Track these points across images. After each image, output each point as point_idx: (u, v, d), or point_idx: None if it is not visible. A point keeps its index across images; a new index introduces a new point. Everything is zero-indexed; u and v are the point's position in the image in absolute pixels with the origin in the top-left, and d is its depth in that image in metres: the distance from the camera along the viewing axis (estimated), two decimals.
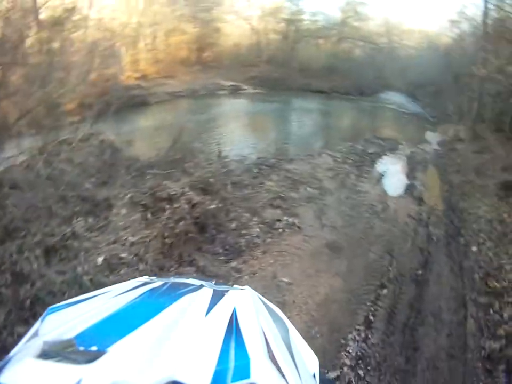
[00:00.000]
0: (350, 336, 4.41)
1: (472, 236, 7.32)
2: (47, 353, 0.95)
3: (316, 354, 3.90)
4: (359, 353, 4.20)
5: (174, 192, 6.05)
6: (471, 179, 10.73)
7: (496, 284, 5.65)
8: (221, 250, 5.74)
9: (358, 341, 4.36)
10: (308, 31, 33.23)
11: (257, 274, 5.32)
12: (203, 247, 5.69)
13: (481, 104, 17.42)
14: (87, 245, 5.03)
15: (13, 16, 11.36)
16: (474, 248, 6.83)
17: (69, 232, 5.06)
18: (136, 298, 1.38)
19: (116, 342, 0.99)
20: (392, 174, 10.91)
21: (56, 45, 16.72)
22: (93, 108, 8.88)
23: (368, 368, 4.03)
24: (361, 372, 3.97)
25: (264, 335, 1.23)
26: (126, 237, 5.43)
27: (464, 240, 7.17)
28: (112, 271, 4.73)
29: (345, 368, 3.98)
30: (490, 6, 16.75)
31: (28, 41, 15.78)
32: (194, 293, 1.48)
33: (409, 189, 9.62)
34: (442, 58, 27.71)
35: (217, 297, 1.46)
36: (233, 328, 1.20)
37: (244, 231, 6.26)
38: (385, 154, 12.93)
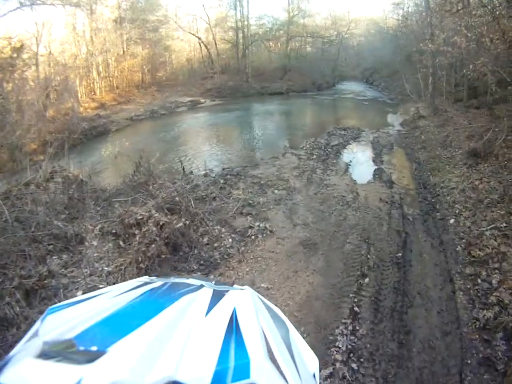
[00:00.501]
0: (337, 331, 4.36)
1: (447, 208, 7.45)
2: (47, 353, 0.96)
3: None
4: (349, 346, 4.14)
5: (141, 217, 6.05)
6: (438, 153, 11.04)
7: (479, 252, 5.68)
8: (196, 267, 5.72)
9: (346, 335, 4.30)
10: (256, 35, 33.55)
11: (235, 285, 5.33)
12: (178, 266, 5.67)
13: (436, 79, 17.88)
14: (64, 281, 4.97)
15: None
16: (452, 221, 6.93)
17: (45, 271, 4.98)
18: (136, 298, 1.39)
19: (116, 342, 1.00)
20: (359, 162, 11.09)
21: (8, 86, 16.50)
22: (54, 144, 8.85)
23: (361, 360, 3.98)
24: (354, 365, 3.91)
25: (264, 335, 1.24)
26: (101, 268, 5.39)
27: (440, 214, 7.28)
28: None
29: (337, 364, 3.92)
30: None
31: None
32: (194, 293, 1.49)
33: (378, 174, 9.76)
34: (391, 41, 28.40)
35: (217, 297, 1.47)
36: (233, 328, 1.21)
37: (216, 244, 6.24)
38: (349, 144, 13.14)
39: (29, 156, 9.55)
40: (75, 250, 5.83)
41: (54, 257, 5.57)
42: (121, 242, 5.98)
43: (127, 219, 6.10)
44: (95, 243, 5.97)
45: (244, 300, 1.52)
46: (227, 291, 1.58)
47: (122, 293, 1.44)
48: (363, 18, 39.61)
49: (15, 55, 17.45)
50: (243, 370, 0.99)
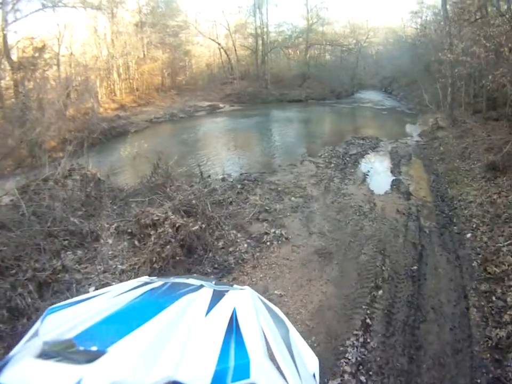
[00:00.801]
0: (348, 342, 4.30)
1: (464, 222, 7.30)
2: (47, 353, 0.97)
3: None
4: (359, 358, 4.08)
5: (157, 218, 6.06)
6: (456, 165, 10.84)
7: (495, 268, 5.53)
8: (210, 270, 5.71)
9: (357, 347, 4.24)
10: (275, 42, 33.68)
11: None
12: (192, 269, 5.66)
13: (455, 89, 17.61)
14: (78, 277, 5.04)
15: None
16: (468, 235, 6.78)
17: (59, 265, 5.07)
18: (136, 298, 1.39)
19: (116, 342, 1.01)
20: (377, 172, 10.97)
21: (30, 84, 16.83)
22: (73, 142, 8.94)
23: (370, 373, 3.91)
24: (363, 378, 3.85)
25: (264, 335, 1.25)
26: (115, 266, 5.46)
27: (457, 228, 7.14)
28: None
29: (345, 376, 3.86)
30: None
31: (3, 83, 15.95)
32: (194, 293, 1.50)
33: (396, 185, 9.62)
34: (410, 50, 28.13)
35: (217, 297, 1.48)
36: (233, 328, 1.22)
37: (231, 248, 6.23)
38: (367, 153, 13.03)
39: (48, 152, 9.64)
40: (90, 247, 5.91)
41: (68, 252, 5.66)
42: (136, 242, 6.03)
43: (143, 219, 6.14)
44: (110, 241, 6.01)
45: (244, 300, 1.53)
46: (227, 291, 1.60)
47: (122, 293, 1.45)
48: (381, 26, 39.49)
49: (36, 54, 17.86)
50: (243, 370, 1.00)
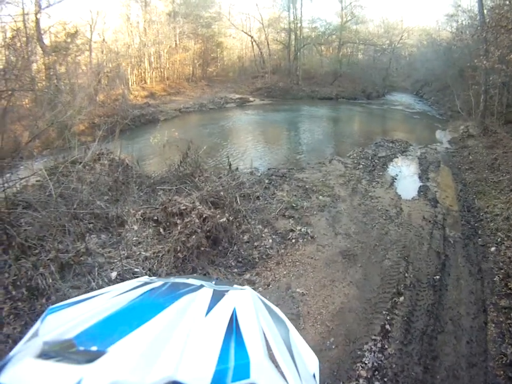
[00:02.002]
0: (366, 346, 4.32)
1: (489, 235, 7.14)
2: (47, 353, 0.95)
3: (331, 365, 3.84)
4: (375, 364, 4.10)
5: (184, 207, 6.05)
6: (485, 176, 10.58)
7: None
8: (234, 263, 5.74)
9: (374, 352, 4.26)
10: (308, 38, 33.35)
11: (271, 286, 5.29)
12: (216, 260, 5.70)
13: (488, 98, 17.15)
14: (100, 260, 5.09)
15: (17, 44, 11.69)
16: (492, 249, 6.64)
17: (83, 248, 5.12)
18: (136, 298, 1.38)
19: (116, 342, 1.00)
20: (405, 177, 10.82)
21: (62, 68, 17.15)
22: (103, 127, 9.00)
23: (385, 379, 3.93)
24: None
25: (264, 335, 1.23)
26: (139, 252, 5.47)
27: (481, 240, 6.99)
28: None
29: (361, 380, 3.90)
30: None
31: (35, 66, 16.26)
32: (194, 293, 1.48)
33: (423, 191, 9.47)
34: (444, 54, 27.54)
35: (217, 297, 1.46)
36: (233, 328, 1.20)
37: (256, 243, 6.25)
38: (396, 157, 12.85)
39: (77, 136, 9.76)
40: (114, 231, 5.97)
41: (92, 236, 5.71)
42: (161, 230, 6.05)
43: (170, 208, 6.15)
44: (135, 227, 6.02)
45: (244, 300, 1.52)
46: (227, 291, 1.58)
47: (122, 293, 1.44)
48: (416, 28, 38.65)
49: (69, 40, 18.14)
50: (243, 370, 0.99)
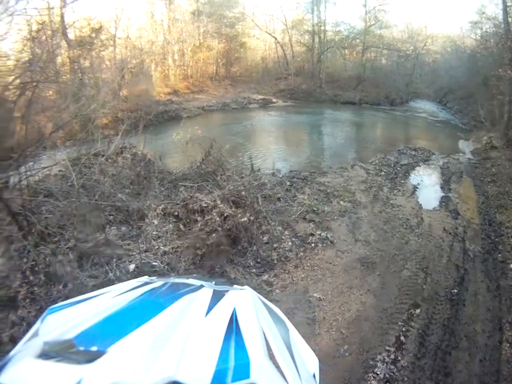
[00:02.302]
0: (379, 357, 4.30)
1: (510, 251, 7.01)
2: (47, 353, 0.96)
3: (343, 373, 3.80)
4: (387, 375, 4.08)
5: (206, 204, 6.09)
6: (507, 189, 10.37)
7: None
8: (252, 263, 5.75)
9: (387, 363, 4.24)
10: (332, 42, 33.12)
11: (288, 289, 5.29)
12: (235, 260, 5.73)
13: None
14: (119, 252, 5.16)
15: (42, 37, 11.88)
16: None
17: (102, 239, 5.19)
18: (136, 298, 1.40)
19: (116, 342, 1.00)
20: (426, 186, 10.67)
21: (86, 63, 17.38)
22: (126, 122, 9.07)
23: None
24: None
25: (264, 335, 1.24)
26: (158, 246, 5.54)
27: (501, 256, 6.87)
28: None
29: None
30: (509, 3, 16.26)
31: (59, 60, 16.51)
32: (194, 293, 1.50)
33: (444, 202, 9.32)
34: (468, 62, 27.01)
35: (217, 297, 1.48)
36: (233, 328, 1.21)
37: (276, 245, 6.24)
38: (419, 166, 12.67)
39: (100, 129, 9.85)
40: (134, 225, 6.05)
41: (112, 227, 5.83)
42: (181, 226, 6.12)
43: (191, 204, 6.21)
44: (155, 222, 6.07)
45: (244, 300, 1.53)
46: (227, 291, 1.60)
47: (123, 293, 1.45)
48: (440, 35, 37.86)
49: (93, 35, 18.36)
50: (243, 370, 0.99)
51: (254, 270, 5.60)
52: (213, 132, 13.20)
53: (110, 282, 4.39)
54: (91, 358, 0.91)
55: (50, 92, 12.72)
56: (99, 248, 5.03)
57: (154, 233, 5.82)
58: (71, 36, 18.00)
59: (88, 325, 1.10)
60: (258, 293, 4.75)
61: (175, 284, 1.65)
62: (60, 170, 6.83)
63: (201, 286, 1.60)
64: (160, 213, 6.29)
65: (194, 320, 1.21)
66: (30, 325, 0.87)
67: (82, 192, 5.95)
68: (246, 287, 1.83)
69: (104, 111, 12.26)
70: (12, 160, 4.98)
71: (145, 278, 1.87)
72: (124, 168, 7.47)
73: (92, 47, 17.98)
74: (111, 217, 5.97)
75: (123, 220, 6.02)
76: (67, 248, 4.81)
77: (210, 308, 1.33)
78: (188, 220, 6.10)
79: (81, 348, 0.97)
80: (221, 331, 1.16)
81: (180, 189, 7.34)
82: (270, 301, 2.63)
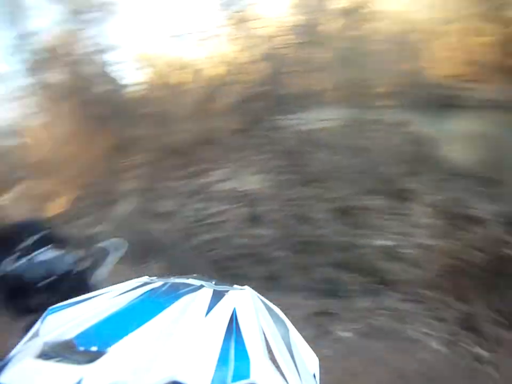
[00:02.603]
0: None
1: None
2: (47, 354, 0.86)
3: None
4: None
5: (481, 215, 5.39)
6: None
7: None
8: None
9: None
10: None
11: None
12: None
13: None
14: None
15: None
16: None
17: (361, 204, 5.21)
18: (136, 298, 1.28)
19: (116, 342, 0.88)
20: None
21: (353, 32, 17.71)
22: (400, 98, 8.94)
23: None
24: None
25: (264, 335, 1.06)
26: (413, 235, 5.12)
27: None
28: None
29: None
30: None
31: (322, 27, 17.33)
32: (194, 293, 1.31)
33: None
34: None
35: (217, 297, 1.27)
36: (233, 328, 1.04)
37: None
38: None
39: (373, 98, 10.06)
40: (394, 204, 5.73)
41: (374, 196, 5.61)
42: (446, 227, 5.52)
43: (459, 208, 5.60)
44: (418, 209, 5.73)
45: (244, 300, 1.32)
46: (227, 291, 1.34)
47: (122, 293, 1.24)
48: None
49: (357, 7, 18.46)
50: (243, 370, 0.86)
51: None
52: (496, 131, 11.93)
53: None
54: (91, 358, 0.82)
55: (323, 54, 13.68)
56: (355, 211, 5.10)
57: (413, 218, 5.44)
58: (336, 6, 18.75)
59: (88, 325, 0.97)
60: None
61: (175, 284, 1.60)
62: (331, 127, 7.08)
63: (201, 286, 1.51)
64: (423, 203, 5.69)
65: (194, 320, 1.03)
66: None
67: (351, 152, 6.08)
68: (246, 287, 1.60)
69: (378, 83, 12.47)
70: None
71: (145, 278, 1.83)
72: (392, 142, 7.36)
73: (358, 18, 18.26)
74: (373, 187, 5.76)
75: (384, 194, 5.73)
76: (324, 199, 5.03)
77: (210, 308, 1.12)
78: (455, 223, 5.39)
79: (82, 348, 0.87)
80: (221, 331, 0.99)
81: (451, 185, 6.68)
82: None
